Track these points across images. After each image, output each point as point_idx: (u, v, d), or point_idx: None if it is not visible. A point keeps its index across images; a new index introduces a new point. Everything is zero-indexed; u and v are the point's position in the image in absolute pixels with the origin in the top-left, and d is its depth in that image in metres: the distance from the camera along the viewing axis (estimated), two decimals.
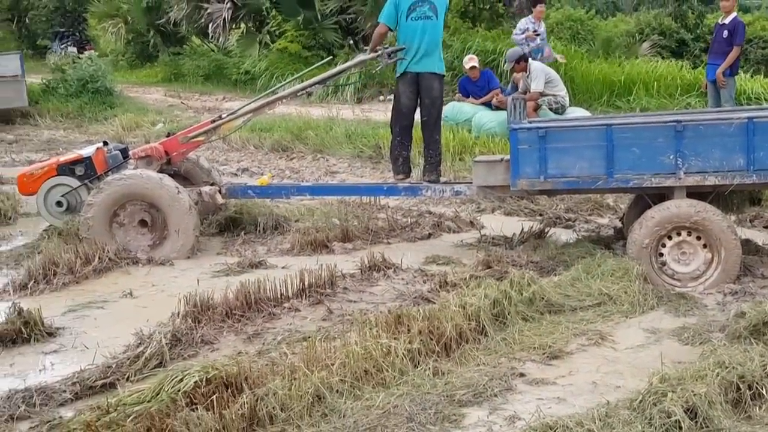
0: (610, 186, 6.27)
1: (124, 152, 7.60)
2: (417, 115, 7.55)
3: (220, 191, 7.48)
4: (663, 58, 15.62)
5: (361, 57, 7.74)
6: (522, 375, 4.49)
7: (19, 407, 4.07)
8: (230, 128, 7.62)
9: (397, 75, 7.42)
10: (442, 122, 7.76)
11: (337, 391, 4.12)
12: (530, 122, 6.78)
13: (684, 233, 6.03)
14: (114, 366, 4.50)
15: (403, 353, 4.46)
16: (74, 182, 7.24)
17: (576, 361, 4.74)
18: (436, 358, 4.59)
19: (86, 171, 7.27)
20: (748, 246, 6.58)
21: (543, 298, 5.46)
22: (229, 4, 19.02)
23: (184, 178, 7.64)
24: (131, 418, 3.72)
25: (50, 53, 23.79)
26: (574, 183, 6.26)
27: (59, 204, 7.24)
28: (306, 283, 5.76)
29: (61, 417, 4.01)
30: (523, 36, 12.64)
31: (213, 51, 21.03)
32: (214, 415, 3.74)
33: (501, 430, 3.89)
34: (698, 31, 16.65)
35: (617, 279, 5.78)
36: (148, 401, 3.86)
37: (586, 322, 5.29)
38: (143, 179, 6.86)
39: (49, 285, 6.11)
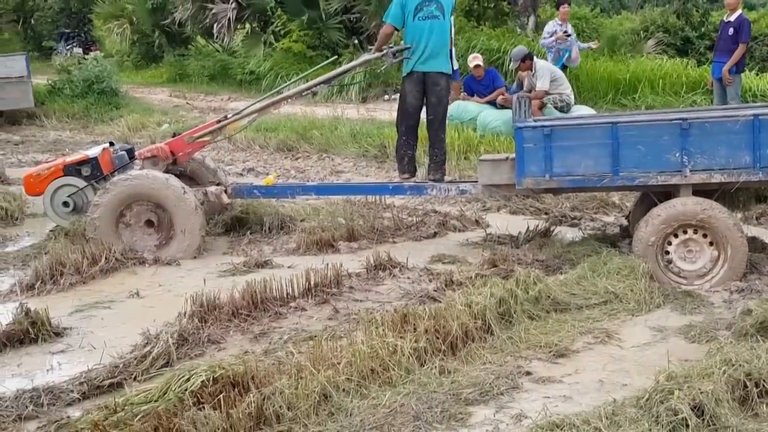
0: (616, 184, 6.25)
1: (130, 153, 7.62)
2: (422, 115, 7.56)
3: (225, 191, 7.49)
4: (668, 55, 15.60)
5: (365, 56, 7.74)
6: (528, 373, 4.49)
7: (27, 407, 4.09)
8: (235, 128, 7.63)
9: (404, 74, 7.41)
10: (447, 121, 7.76)
11: (344, 390, 4.12)
12: (535, 121, 6.77)
13: (690, 231, 6.02)
14: (121, 366, 4.52)
15: (409, 352, 4.46)
16: (81, 183, 7.25)
17: (582, 359, 4.74)
18: (442, 357, 4.60)
19: (92, 171, 7.28)
20: (754, 243, 6.56)
21: (549, 297, 5.46)
22: (233, 4, 19.04)
23: (189, 178, 7.65)
24: (138, 417, 3.73)
25: (56, 54, 23.86)
26: (579, 181, 6.25)
27: (66, 204, 7.26)
28: (312, 283, 5.77)
29: (68, 417, 4.03)
30: (552, 39, 12.57)
31: (218, 51, 21.04)
32: (221, 414, 3.75)
33: (507, 428, 3.89)
34: (703, 29, 16.62)
35: (623, 277, 5.78)
36: (156, 401, 3.86)
37: (592, 320, 5.29)
38: (149, 179, 6.87)
39: (56, 285, 6.12)
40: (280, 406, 3.90)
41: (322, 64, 9.28)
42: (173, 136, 7.62)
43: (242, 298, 5.42)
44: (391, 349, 4.45)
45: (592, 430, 3.62)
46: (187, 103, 17.47)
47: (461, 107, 11.78)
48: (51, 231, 7.48)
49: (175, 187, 6.85)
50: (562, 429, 3.64)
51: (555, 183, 6.27)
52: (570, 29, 12.89)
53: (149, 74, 22.18)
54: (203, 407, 3.81)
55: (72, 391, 4.26)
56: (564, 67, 12.50)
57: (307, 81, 7.92)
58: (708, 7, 17.50)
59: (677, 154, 5.96)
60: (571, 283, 5.75)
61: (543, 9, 18.53)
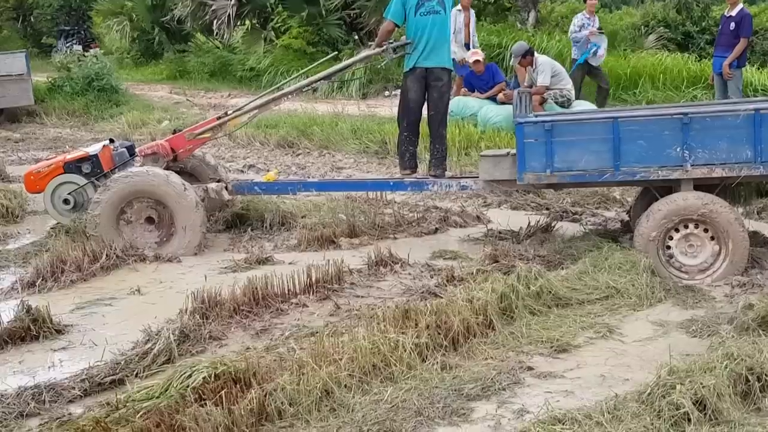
0: (617, 179, 6.25)
1: (131, 150, 7.61)
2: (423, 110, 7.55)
3: (226, 188, 7.48)
4: (669, 50, 15.57)
5: (366, 52, 7.73)
6: (530, 368, 4.50)
7: (28, 404, 4.10)
8: (236, 125, 7.61)
9: (406, 70, 7.39)
10: (448, 117, 7.75)
11: (346, 385, 4.13)
12: (536, 116, 6.76)
13: (691, 226, 6.01)
14: (123, 362, 4.53)
15: (410, 348, 4.47)
16: (81, 180, 7.24)
17: (584, 354, 4.74)
18: (443, 353, 4.60)
19: (93, 169, 7.27)
20: (755, 238, 6.56)
21: (550, 292, 5.46)
22: (233, 1, 19.00)
23: (190, 175, 7.64)
24: (140, 414, 3.74)
25: (55, 51, 23.78)
26: (580, 176, 6.24)
27: (66, 202, 7.25)
28: (313, 279, 5.77)
29: (70, 414, 4.04)
30: (586, 33, 12.33)
31: (218, 48, 21.01)
32: (223, 411, 3.75)
33: (509, 423, 3.89)
34: (704, 24, 16.57)
35: (625, 272, 5.78)
36: (157, 397, 3.87)
37: (593, 315, 5.29)
38: (150, 176, 6.87)
39: (57, 282, 6.13)
40: (281, 402, 3.91)
41: (322, 60, 9.26)
42: (173, 133, 7.62)
43: (243, 295, 5.43)
44: (392, 344, 4.45)
45: (593, 425, 3.62)
46: (187, 100, 17.42)
47: (462, 103, 11.76)
48: (52, 228, 7.48)
49: (176, 183, 6.85)
50: (563, 424, 3.65)
51: (556, 178, 6.26)
52: (597, 24, 12.71)
53: (149, 71, 22.13)
54: (205, 404, 3.82)
55: (73, 388, 4.27)
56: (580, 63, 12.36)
57: (308, 77, 7.91)
58: (709, 2, 17.44)
59: (678, 149, 5.95)
60: (572, 278, 5.75)
61: (543, 4, 18.50)
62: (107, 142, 7.71)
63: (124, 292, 6.02)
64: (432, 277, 6.10)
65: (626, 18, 19.00)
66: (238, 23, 20.34)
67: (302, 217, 7.90)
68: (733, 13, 10.81)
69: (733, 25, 10.74)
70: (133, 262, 6.67)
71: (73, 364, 4.69)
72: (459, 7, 12.54)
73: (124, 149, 7.55)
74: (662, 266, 6.02)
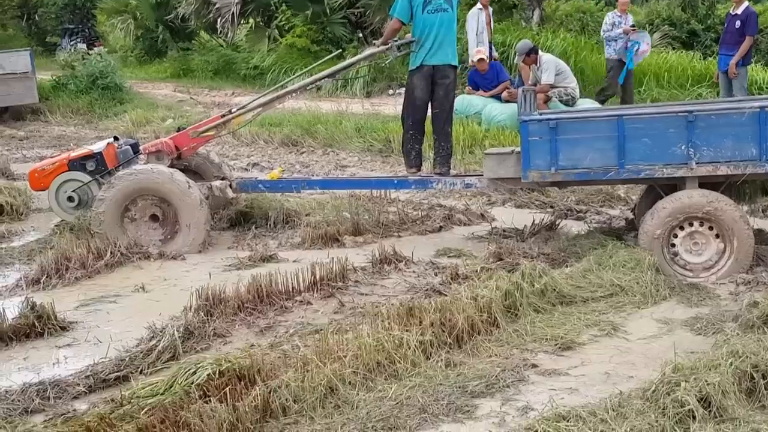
0: (622, 177, 6.24)
1: (135, 147, 7.62)
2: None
3: (230, 186, 7.48)
4: (674, 48, 15.54)
5: (370, 50, 7.72)
6: (534, 366, 4.49)
7: (33, 400, 4.10)
8: (240, 123, 7.62)
9: (412, 68, 7.37)
10: (453, 115, 7.74)
11: (350, 382, 4.13)
12: (541, 114, 6.76)
13: (696, 223, 6.00)
14: (127, 359, 4.54)
15: (415, 345, 4.47)
16: (85, 177, 7.25)
17: (588, 351, 4.74)
18: (448, 350, 4.61)
19: (97, 166, 7.28)
20: (760, 236, 6.56)
21: (555, 290, 5.46)
22: None
23: (194, 172, 7.65)
24: (145, 410, 3.74)
25: (60, 50, 23.79)
26: (585, 174, 6.23)
27: (71, 199, 7.26)
28: (317, 277, 5.77)
29: (75, 410, 4.04)
30: (620, 32, 12.13)
31: (222, 46, 21.01)
32: (227, 408, 3.75)
33: (514, 420, 3.89)
34: (709, 22, 16.55)
35: (629, 270, 5.77)
36: (162, 394, 3.88)
37: (598, 313, 5.29)
38: (154, 174, 6.87)
39: (62, 279, 6.14)
40: (286, 399, 3.91)
41: (326, 58, 9.26)
42: (178, 131, 7.62)
43: (248, 292, 5.43)
44: (397, 342, 4.45)
45: (598, 422, 3.62)
46: (191, 98, 17.44)
47: (466, 101, 11.76)
48: (56, 226, 7.49)
49: (180, 181, 6.85)
50: (568, 421, 3.64)
51: (560, 176, 6.25)
52: (631, 21, 12.49)
53: (153, 69, 22.14)
54: (209, 400, 3.82)
55: (78, 385, 4.28)
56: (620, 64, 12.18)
57: (312, 75, 7.91)
58: (714, 0, 17.43)
59: (683, 147, 5.94)
60: (576, 276, 5.75)
61: (548, 2, 18.47)
62: (111, 140, 7.72)
63: (128, 290, 6.03)
64: (436, 275, 6.10)
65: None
66: (242, 21, 20.34)
67: (306, 215, 7.90)
68: (739, 11, 10.78)
69: (738, 23, 10.71)
70: (138, 259, 6.69)
71: (77, 361, 4.69)
72: (479, 5, 12.47)
73: (129, 147, 7.56)
74: (667, 264, 6.01)
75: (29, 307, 5.17)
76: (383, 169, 10.43)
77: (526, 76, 11.31)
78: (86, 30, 26.44)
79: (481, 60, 11.78)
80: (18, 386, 4.25)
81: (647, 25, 16.89)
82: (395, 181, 7.66)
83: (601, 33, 12.75)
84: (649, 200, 6.61)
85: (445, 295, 5.32)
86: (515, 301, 5.19)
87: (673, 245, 6.05)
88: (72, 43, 24.51)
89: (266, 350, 4.56)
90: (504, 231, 7.33)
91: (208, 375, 3.96)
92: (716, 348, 4.40)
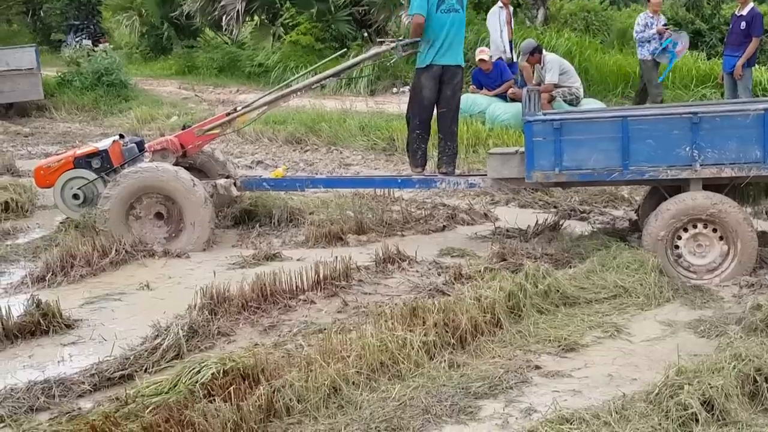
0: (626, 178, 6.24)
1: (140, 145, 7.63)
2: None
3: (235, 184, 7.50)
4: None
5: (375, 50, 7.72)
6: (538, 367, 4.50)
7: (38, 398, 4.12)
8: (245, 121, 7.62)
9: (421, 66, 7.34)
10: (459, 114, 7.74)
11: (353, 383, 4.14)
12: (545, 114, 6.76)
13: (700, 225, 6.00)
14: (132, 358, 4.55)
15: (418, 345, 4.48)
16: (91, 175, 7.27)
17: (591, 353, 4.74)
18: (451, 351, 4.61)
19: (102, 164, 7.30)
20: (764, 238, 6.54)
21: (558, 291, 5.46)
22: None
23: (199, 170, 7.67)
24: (149, 409, 3.76)
25: (65, 46, 23.78)
26: (589, 175, 6.23)
27: (76, 197, 7.28)
28: (321, 276, 5.78)
29: (79, 408, 4.06)
30: (653, 32, 11.96)
31: (226, 44, 21.02)
32: (231, 407, 3.77)
33: (517, 422, 3.89)
34: (714, 22, 16.51)
35: (633, 271, 5.77)
36: (166, 393, 3.90)
37: (601, 314, 5.29)
38: (159, 172, 6.89)
39: (67, 277, 6.15)
40: (290, 399, 3.93)
41: (331, 56, 9.26)
42: (183, 129, 7.63)
43: (252, 291, 5.45)
44: (400, 342, 4.46)
45: (601, 425, 3.63)
46: (195, 95, 17.45)
47: (470, 100, 11.75)
48: (61, 223, 7.51)
49: (185, 179, 6.87)
50: (571, 423, 3.65)
51: (564, 176, 6.25)
52: (663, 22, 12.36)
53: (158, 66, 22.14)
54: (214, 399, 3.84)
55: (83, 383, 4.29)
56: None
57: (316, 74, 7.91)
58: (719, 0, 17.39)
59: (687, 149, 5.94)
60: (580, 277, 5.75)
61: (553, 1, 18.44)
62: (117, 137, 7.73)
63: (133, 288, 6.04)
64: (440, 275, 6.11)
65: (636, 16, 18.91)
66: (247, 19, 20.34)
67: (310, 214, 7.91)
68: (744, 12, 10.78)
69: (743, 24, 10.71)
70: (142, 257, 6.69)
71: (82, 359, 4.71)
72: (500, 3, 12.42)
73: (134, 145, 7.57)
74: (670, 266, 6.01)
75: (34, 304, 5.19)
76: (387, 167, 10.44)
77: (528, 75, 11.32)
78: (91, 26, 26.42)
79: (483, 60, 11.78)
80: (23, 384, 4.27)
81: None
82: (399, 180, 7.66)
83: (634, 35, 12.54)
84: (652, 202, 6.61)
85: (449, 296, 5.32)
86: (518, 302, 5.19)
87: (677, 247, 6.06)
88: (77, 39, 24.50)
89: (270, 349, 4.56)
90: (507, 231, 7.32)
91: (213, 374, 3.98)
92: (719, 351, 4.41)
